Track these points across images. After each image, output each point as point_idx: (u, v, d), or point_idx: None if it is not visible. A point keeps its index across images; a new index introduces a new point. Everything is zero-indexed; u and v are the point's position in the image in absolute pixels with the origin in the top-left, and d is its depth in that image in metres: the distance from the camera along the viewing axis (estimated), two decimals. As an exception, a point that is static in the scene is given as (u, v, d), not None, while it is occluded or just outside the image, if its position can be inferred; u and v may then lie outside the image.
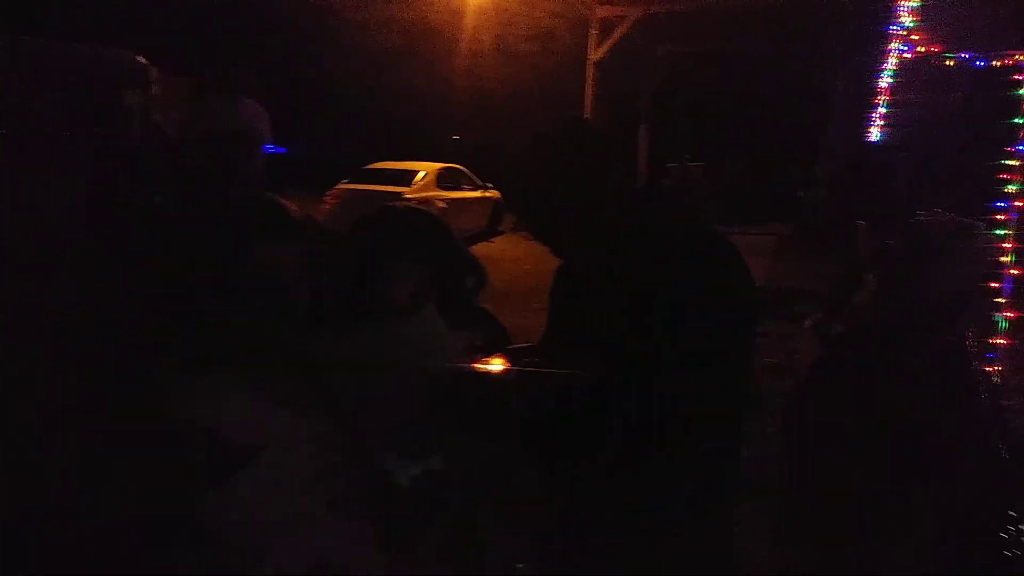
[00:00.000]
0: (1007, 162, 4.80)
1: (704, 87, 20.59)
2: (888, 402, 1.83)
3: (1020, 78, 4.62)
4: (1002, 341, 4.35)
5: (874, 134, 9.31)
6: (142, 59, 7.38)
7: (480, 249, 15.03)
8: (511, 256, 12.04)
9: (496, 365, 1.51)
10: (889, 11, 5.37)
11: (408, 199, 13.14)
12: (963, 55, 4.88)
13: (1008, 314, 4.57)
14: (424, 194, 13.56)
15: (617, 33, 13.37)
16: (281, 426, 1.55)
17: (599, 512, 1.52)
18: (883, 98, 8.09)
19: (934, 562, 1.90)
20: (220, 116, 1.96)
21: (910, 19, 5.08)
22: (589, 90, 13.77)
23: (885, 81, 7.32)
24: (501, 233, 15.24)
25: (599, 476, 1.49)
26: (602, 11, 13.44)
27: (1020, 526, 1.89)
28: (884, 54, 6.12)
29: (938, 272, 1.82)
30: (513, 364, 1.52)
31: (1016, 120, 4.71)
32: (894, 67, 6.52)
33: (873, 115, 8.83)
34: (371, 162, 14.84)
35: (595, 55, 13.66)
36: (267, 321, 1.57)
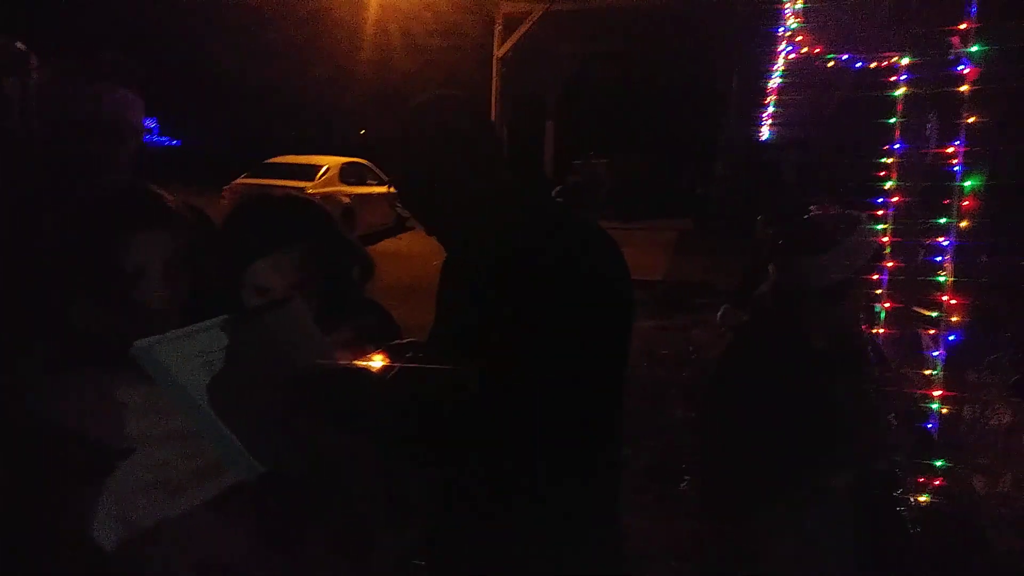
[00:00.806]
0: (884, 160, 5.05)
1: (609, 85, 20.93)
2: (790, 383, 1.95)
3: (896, 79, 4.87)
4: (881, 330, 4.59)
5: (765, 133, 9.63)
6: (20, 45, 7.00)
7: (387, 245, 14.86)
8: (418, 252, 11.96)
9: (375, 362, 1.48)
10: (776, 13, 5.57)
11: (311, 194, 12.92)
12: (843, 56, 5.10)
13: (886, 304, 4.83)
14: (327, 189, 13.32)
15: (521, 29, 13.44)
16: (153, 425, 1.50)
17: (482, 510, 1.52)
18: (772, 98, 8.38)
19: (835, 529, 2.01)
20: (81, 103, 1.85)
21: (795, 21, 5.29)
22: (495, 86, 13.80)
23: (774, 81, 7.59)
24: (409, 229, 15.13)
25: (478, 474, 1.49)
26: (507, 7, 13.49)
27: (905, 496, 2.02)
28: (773, 55, 6.36)
29: (829, 261, 1.97)
30: (394, 360, 1.49)
31: (892, 120, 4.96)
32: (782, 68, 6.78)
33: (764, 114, 9.15)
34: (272, 156, 14.49)
35: (500, 51, 13.70)
36: (136, 316, 1.51)
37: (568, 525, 1.53)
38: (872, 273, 2.04)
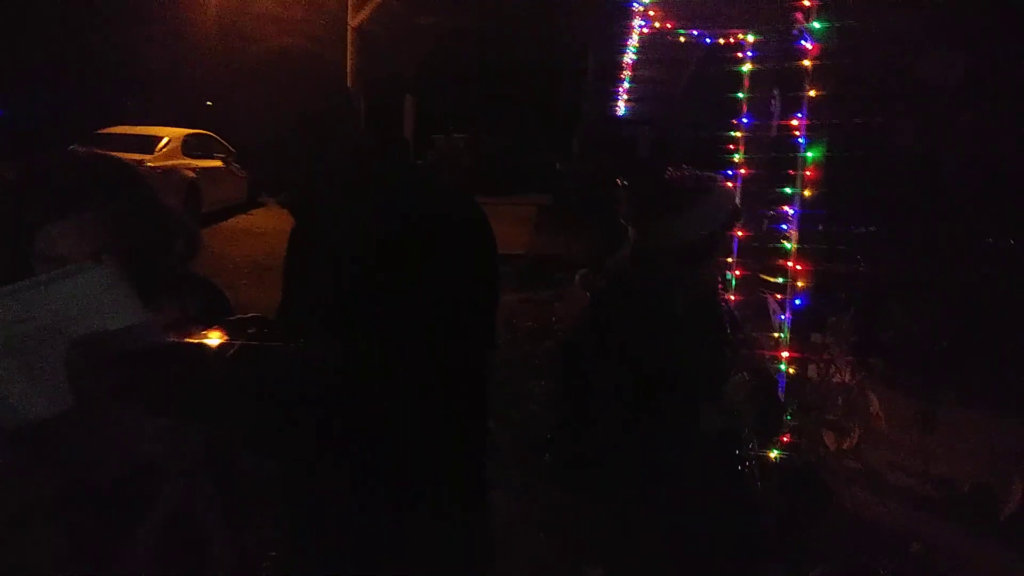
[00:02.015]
0: (732, 133, 5.23)
1: (468, 60, 20.82)
2: (648, 345, 1.96)
3: (742, 55, 5.04)
4: (732, 297, 4.77)
5: (620, 108, 9.77)
6: None
7: (238, 222, 14.21)
8: (272, 228, 11.50)
9: (212, 339, 1.33)
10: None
11: (152, 168, 12.12)
12: (693, 32, 5.22)
13: (736, 272, 5.02)
14: (168, 163, 12.51)
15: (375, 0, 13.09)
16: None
17: (337, 500, 1.42)
18: (627, 73, 8.50)
19: (688, 493, 2.03)
20: None
21: (650, -6, 5.35)
22: (350, 57, 13.40)
23: (628, 57, 7.70)
24: (262, 205, 14.53)
25: (331, 461, 1.39)
26: (360, -26, 13.11)
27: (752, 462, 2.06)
28: (627, 30, 6.44)
29: (686, 221, 1.98)
30: (234, 337, 1.35)
31: (739, 94, 5.14)
32: (636, 43, 6.89)
33: (619, 90, 9.27)
34: (105, 126, 13.48)
35: (355, 20, 13.29)
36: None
37: (435, 501, 1.46)
38: (729, 235, 2.07)
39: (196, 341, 1.31)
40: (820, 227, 6.85)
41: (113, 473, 1.41)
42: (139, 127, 13.42)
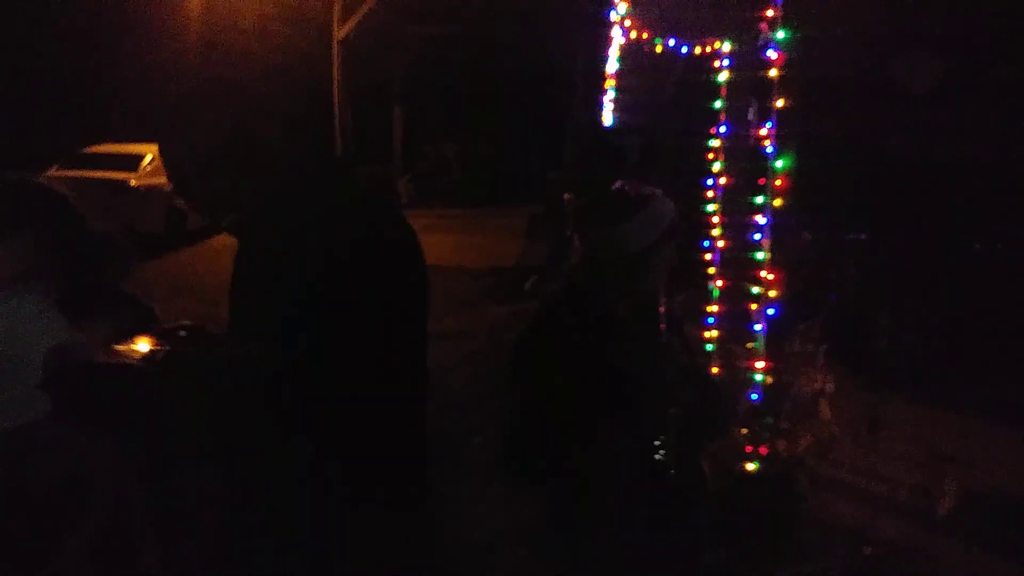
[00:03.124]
0: (711, 143, 5.24)
1: (457, 69, 20.85)
2: (592, 349, 2.05)
3: (719, 64, 5.04)
4: (715, 308, 4.77)
5: (607, 118, 9.83)
6: None
7: (226, 240, 14.18)
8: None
9: (141, 346, 1.37)
10: (607, -4, 5.63)
11: (133, 186, 12.10)
12: (670, 42, 5.24)
13: (719, 283, 5.02)
14: (153, 180, 12.47)
15: (362, 11, 13.15)
16: None
17: (274, 505, 1.44)
18: (611, 83, 8.54)
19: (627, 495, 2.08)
20: None
21: (624, 5, 5.38)
22: (336, 69, 13.46)
23: (611, 66, 7.73)
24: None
25: (267, 468, 1.41)
26: (346, -12, 13.18)
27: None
28: (608, 39, 6.46)
29: (626, 231, 2.08)
30: (164, 344, 1.39)
31: (717, 104, 5.15)
32: (619, 53, 6.91)
33: (605, 99, 9.32)
34: (88, 145, 13.46)
35: (341, 33, 13.36)
36: None
37: (369, 504, 1.49)
38: (669, 244, 2.16)
39: (125, 352, 1.34)
40: (806, 234, 6.88)
41: (44, 484, 1.42)
42: (123, 145, 13.39)
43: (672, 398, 2.10)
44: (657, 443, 2.09)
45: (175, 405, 1.35)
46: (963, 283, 6.60)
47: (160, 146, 1.56)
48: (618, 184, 2.23)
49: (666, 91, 8.65)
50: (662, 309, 2.20)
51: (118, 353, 1.34)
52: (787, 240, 6.30)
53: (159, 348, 1.36)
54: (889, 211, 6.84)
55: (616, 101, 9.64)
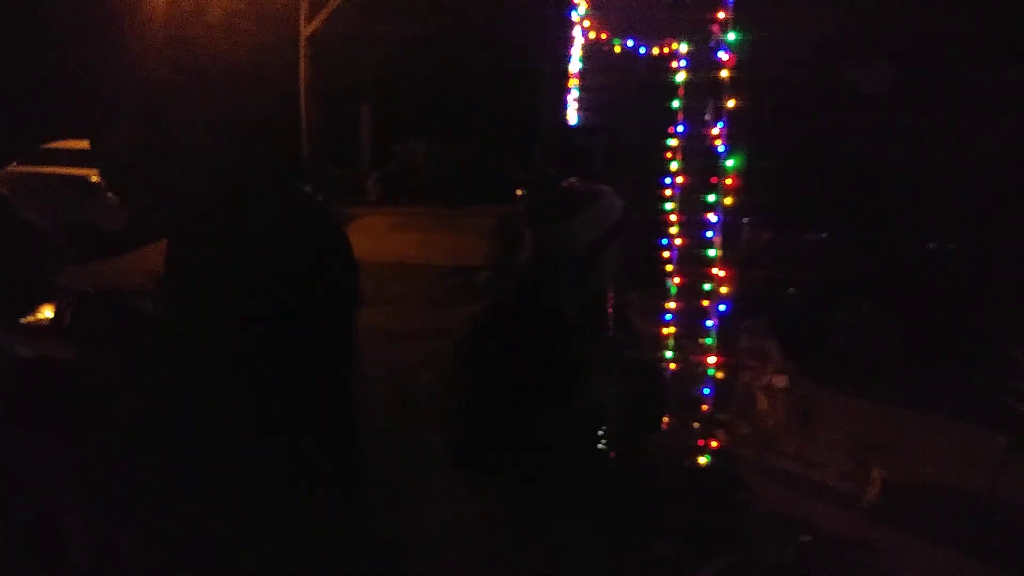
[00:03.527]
0: (670, 142, 5.31)
1: (428, 68, 20.79)
2: (540, 345, 2.08)
3: (676, 65, 5.11)
4: (672, 304, 4.83)
5: (572, 117, 9.88)
6: None
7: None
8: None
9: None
10: (567, -3, 5.69)
11: (95, 183, 11.92)
12: (628, 42, 5.30)
13: (676, 280, 5.09)
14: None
15: (328, 8, 13.08)
16: None
17: (203, 495, 1.45)
18: (575, 82, 8.60)
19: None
20: None
21: (584, 6, 5.43)
22: (303, 67, 13.38)
23: (575, 66, 7.79)
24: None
25: (196, 460, 1.42)
26: (312, -16, 13.10)
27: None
28: (570, 39, 6.52)
29: (574, 228, 2.12)
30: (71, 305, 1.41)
31: (675, 103, 5.22)
32: (581, 53, 6.97)
33: (570, 99, 9.37)
34: (49, 141, 13.25)
35: (308, 30, 13.28)
36: None
37: (299, 493, 1.51)
38: (617, 242, 2.21)
39: (33, 322, 1.35)
40: (766, 233, 6.98)
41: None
42: (85, 141, 13.17)
43: (617, 391, 2.13)
44: (600, 432, 2.13)
45: (92, 365, 1.36)
46: (919, 281, 6.75)
47: (92, 140, 1.57)
48: (567, 180, 2.27)
49: (630, 91, 8.74)
50: (610, 307, 2.24)
51: (27, 327, 1.35)
52: (747, 238, 6.41)
53: (65, 307, 1.37)
54: (848, 211, 6.97)
55: (581, 101, 9.70)
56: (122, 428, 1.41)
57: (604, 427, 2.14)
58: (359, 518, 1.64)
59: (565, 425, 2.08)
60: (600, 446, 2.14)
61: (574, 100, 9.68)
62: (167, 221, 1.56)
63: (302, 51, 13.06)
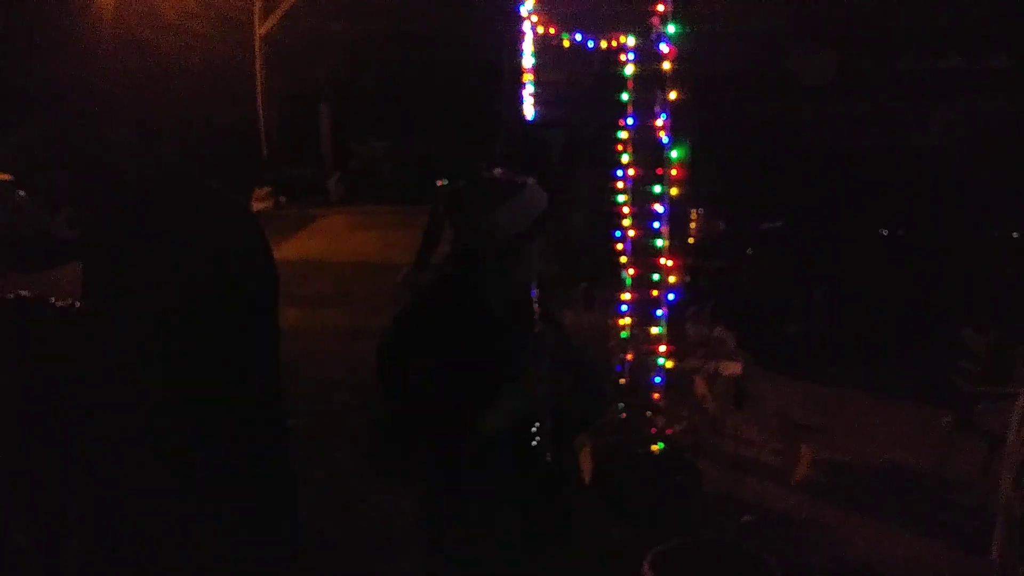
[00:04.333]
0: (620, 135, 5.35)
1: (388, 66, 20.67)
2: (465, 340, 2.06)
3: (625, 58, 5.15)
4: (627, 295, 4.88)
5: (528, 112, 9.90)
6: None
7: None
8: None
9: None
10: (518, -9, 5.69)
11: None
12: (576, 36, 5.33)
13: (630, 271, 5.14)
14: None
15: (284, 7, 12.98)
16: None
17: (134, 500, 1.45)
18: (529, 77, 8.62)
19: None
20: None
21: (531, 1, 5.44)
22: (259, 66, 13.27)
23: (528, 61, 7.81)
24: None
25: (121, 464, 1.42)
26: (265, -18, 12.99)
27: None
28: (521, 34, 6.53)
29: (497, 220, 2.09)
30: None
31: (624, 96, 5.26)
32: (534, 48, 7.00)
33: (526, 93, 9.39)
34: None
35: (263, 28, 13.17)
36: None
37: (224, 498, 1.50)
38: (542, 234, 2.18)
39: None
40: (720, 223, 7.05)
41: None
42: None
43: (547, 387, 2.10)
44: (533, 430, 2.11)
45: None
46: (871, 267, 6.87)
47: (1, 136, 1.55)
48: (489, 171, 2.23)
49: (585, 84, 8.79)
50: (536, 304, 2.19)
51: None
52: (701, 228, 6.48)
53: None
54: (800, 199, 7.07)
55: (537, 95, 9.72)
56: (51, 432, 1.40)
57: (536, 425, 2.11)
58: (289, 523, 1.63)
59: (493, 424, 2.05)
60: (533, 444, 2.11)
61: (530, 95, 9.71)
62: (80, 224, 1.55)
63: (257, 51, 12.93)
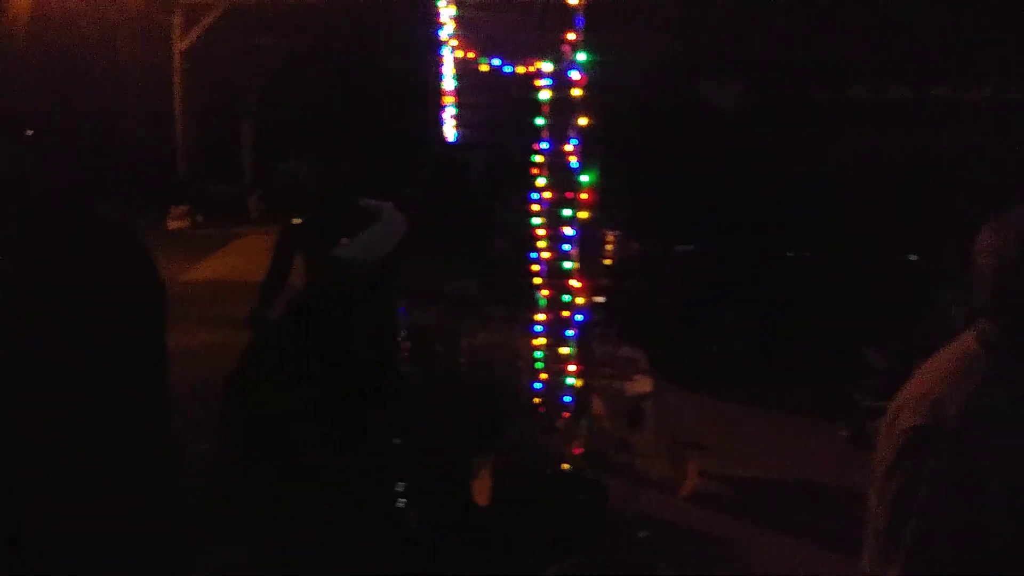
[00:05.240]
0: (535, 159, 5.45)
1: (311, 84, 20.49)
2: (323, 380, 1.96)
3: (541, 83, 5.26)
4: (542, 316, 4.95)
5: (450, 134, 9.95)
6: None
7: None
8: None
9: None
10: (437, 15, 5.76)
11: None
12: (494, 61, 5.42)
13: (544, 292, 5.22)
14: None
15: (205, 22, 12.77)
16: None
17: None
18: (450, 99, 8.69)
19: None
20: None
21: (450, 25, 5.52)
22: (178, 82, 13.00)
23: (449, 84, 7.89)
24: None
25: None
26: (186, -4, 12.78)
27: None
28: (440, 58, 6.60)
29: (352, 250, 1.99)
30: None
31: (540, 120, 5.37)
32: (455, 71, 7.07)
33: (447, 116, 9.44)
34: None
35: (182, 44, 12.93)
36: None
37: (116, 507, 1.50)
38: (401, 263, 2.09)
39: None
40: (635, 243, 7.20)
41: None
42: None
43: (415, 437, 1.99)
44: (398, 488, 1.98)
45: None
46: (780, 288, 7.11)
47: None
48: (346, 198, 2.13)
49: (505, 108, 8.90)
50: (404, 338, 2.10)
51: None
52: (616, 250, 6.62)
53: None
54: (712, 222, 7.29)
55: (458, 118, 9.78)
56: None
57: (401, 479, 1.98)
58: (173, 546, 1.62)
59: (353, 477, 1.90)
60: (399, 502, 1.98)
61: (450, 117, 9.77)
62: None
63: (176, 66, 12.68)
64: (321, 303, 2.06)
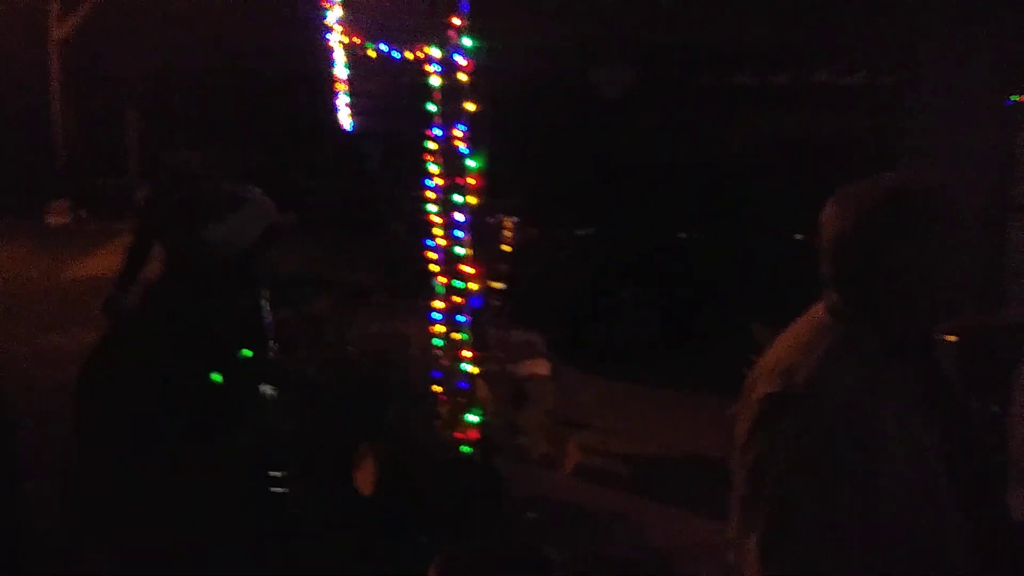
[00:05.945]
0: (428, 145, 5.40)
1: (201, 72, 19.77)
2: (179, 363, 1.92)
3: (431, 69, 5.22)
4: (440, 303, 4.93)
5: (346, 122, 9.78)
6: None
7: None
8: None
9: None
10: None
11: None
12: (382, 46, 5.34)
13: (441, 279, 5.20)
14: None
15: (84, 9, 12.17)
16: None
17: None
18: (343, 87, 8.53)
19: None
20: None
21: (336, 10, 5.41)
22: (55, 70, 12.36)
23: (341, 71, 7.73)
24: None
25: None
26: (64, -16, 12.13)
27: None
28: (328, 43, 6.46)
29: (216, 235, 1.96)
30: None
31: (430, 106, 5.32)
32: (346, 58, 6.93)
33: (341, 103, 9.27)
34: None
35: (60, 31, 12.28)
36: None
37: None
38: (268, 249, 2.05)
39: None
40: (533, 229, 7.24)
41: None
42: None
43: (289, 422, 1.97)
44: (279, 475, 1.95)
45: None
46: (673, 270, 7.30)
47: None
48: (208, 183, 2.09)
49: (400, 95, 8.80)
50: (268, 321, 2.06)
51: None
52: (516, 236, 6.66)
53: None
54: (610, 207, 7.42)
55: (353, 106, 9.63)
56: None
57: (281, 467, 1.96)
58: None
59: (221, 469, 1.87)
60: (278, 489, 1.96)
61: (344, 105, 9.60)
62: None
63: (52, 55, 12.05)
64: (182, 289, 1.99)
